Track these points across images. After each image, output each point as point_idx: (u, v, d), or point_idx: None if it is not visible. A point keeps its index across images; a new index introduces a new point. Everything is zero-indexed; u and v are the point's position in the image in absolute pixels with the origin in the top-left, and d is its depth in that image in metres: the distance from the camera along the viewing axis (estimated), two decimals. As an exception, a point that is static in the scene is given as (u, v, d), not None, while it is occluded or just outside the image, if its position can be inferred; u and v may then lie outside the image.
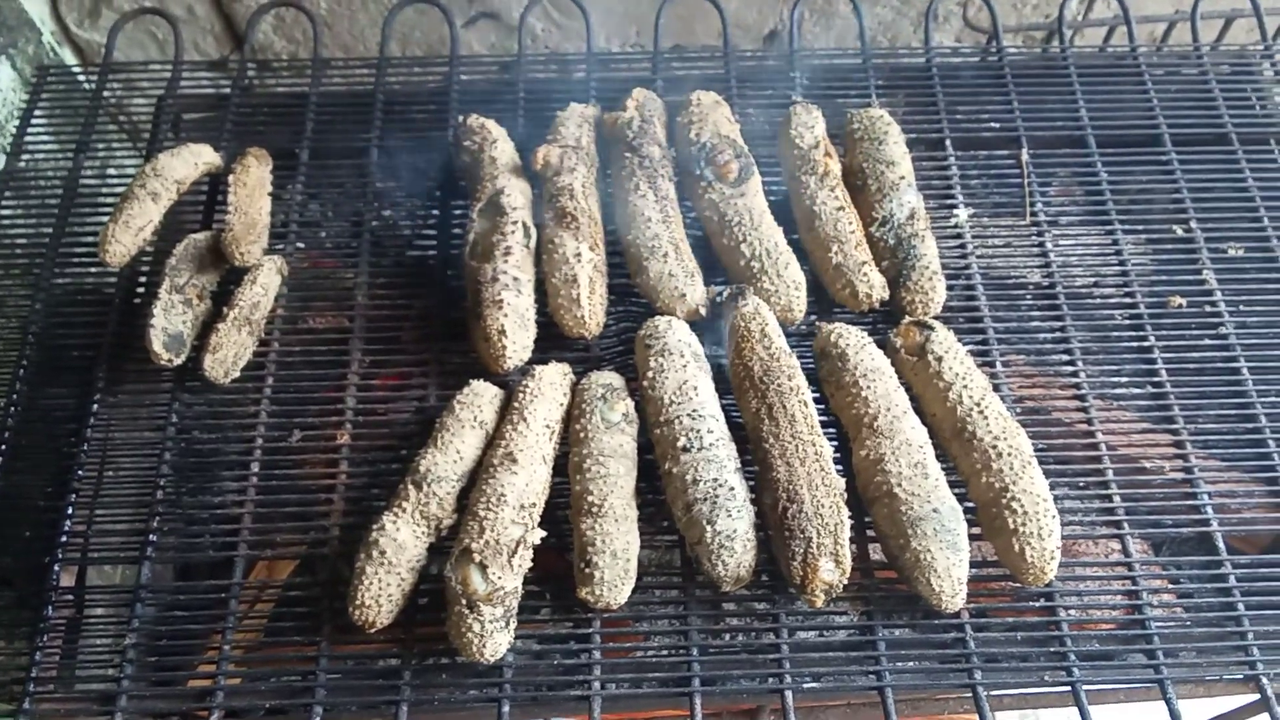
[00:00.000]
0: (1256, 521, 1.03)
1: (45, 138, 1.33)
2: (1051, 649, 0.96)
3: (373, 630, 0.93)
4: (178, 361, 1.07)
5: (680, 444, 0.97)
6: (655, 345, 1.03)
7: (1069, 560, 1.01)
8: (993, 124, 1.26)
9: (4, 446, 1.06)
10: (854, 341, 1.04)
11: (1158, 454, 1.06)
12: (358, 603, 0.92)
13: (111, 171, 1.37)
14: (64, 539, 1.01)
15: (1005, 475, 0.96)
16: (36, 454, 1.07)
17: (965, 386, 1.01)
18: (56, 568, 1.00)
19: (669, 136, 1.19)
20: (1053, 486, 0.98)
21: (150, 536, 1.00)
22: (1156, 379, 1.10)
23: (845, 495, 0.96)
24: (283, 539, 1.02)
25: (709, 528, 0.94)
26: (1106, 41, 1.50)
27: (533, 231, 1.10)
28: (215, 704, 0.93)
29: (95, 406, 1.08)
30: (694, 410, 0.99)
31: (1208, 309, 1.14)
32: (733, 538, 0.94)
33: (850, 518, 0.96)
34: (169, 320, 1.07)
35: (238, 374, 1.08)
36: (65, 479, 1.04)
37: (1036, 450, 1.03)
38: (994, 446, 0.97)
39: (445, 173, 1.23)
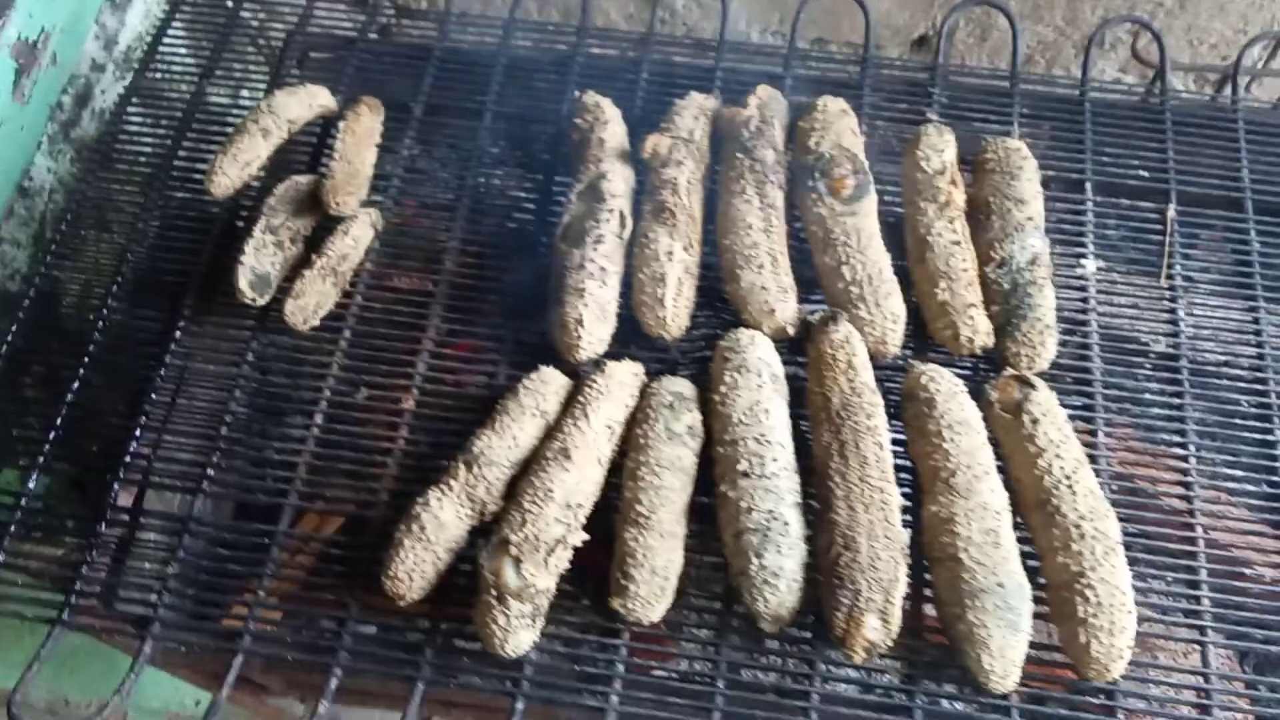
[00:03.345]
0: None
1: (182, 52, 1.34)
2: (1104, 755, 0.89)
3: (402, 604, 0.92)
4: (261, 302, 1.07)
5: (740, 467, 0.93)
6: (733, 360, 0.98)
7: (1139, 660, 0.93)
8: (1142, 172, 1.16)
9: (87, 359, 1.08)
10: (945, 388, 0.97)
11: (1262, 560, 0.97)
12: (390, 574, 0.91)
13: (245, 95, 1.38)
14: (128, 459, 1.03)
15: (1084, 559, 0.89)
16: (117, 372, 1.09)
17: (1058, 455, 0.93)
18: (115, 486, 1.02)
19: (789, 140, 1.13)
20: (1139, 576, 0.91)
21: (208, 471, 1.02)
22: (1276, 478, 1.00)
23: (908, 550, 0.91)
24: (332, 495, 1.02)
25: (755, 560, 0.89)
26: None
27: (629, 222, 1.07)
28: (241, 647, 0.93)
29: (178, 334, 1.09)
30: (761, 434, 0.94)
31: (1347, 409, 1.04)
32: (778, 575, 0.89)
33: (909, 574, 0.91)
34: (258, 260, 1.08)
35: (317, 323, 1.07)
36: (139, 401, 1.06)
37: (1128, 534, 0.96)
38: (1078, 526, 0.90)
39: (555, 146, 1.20)
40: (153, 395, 1.06)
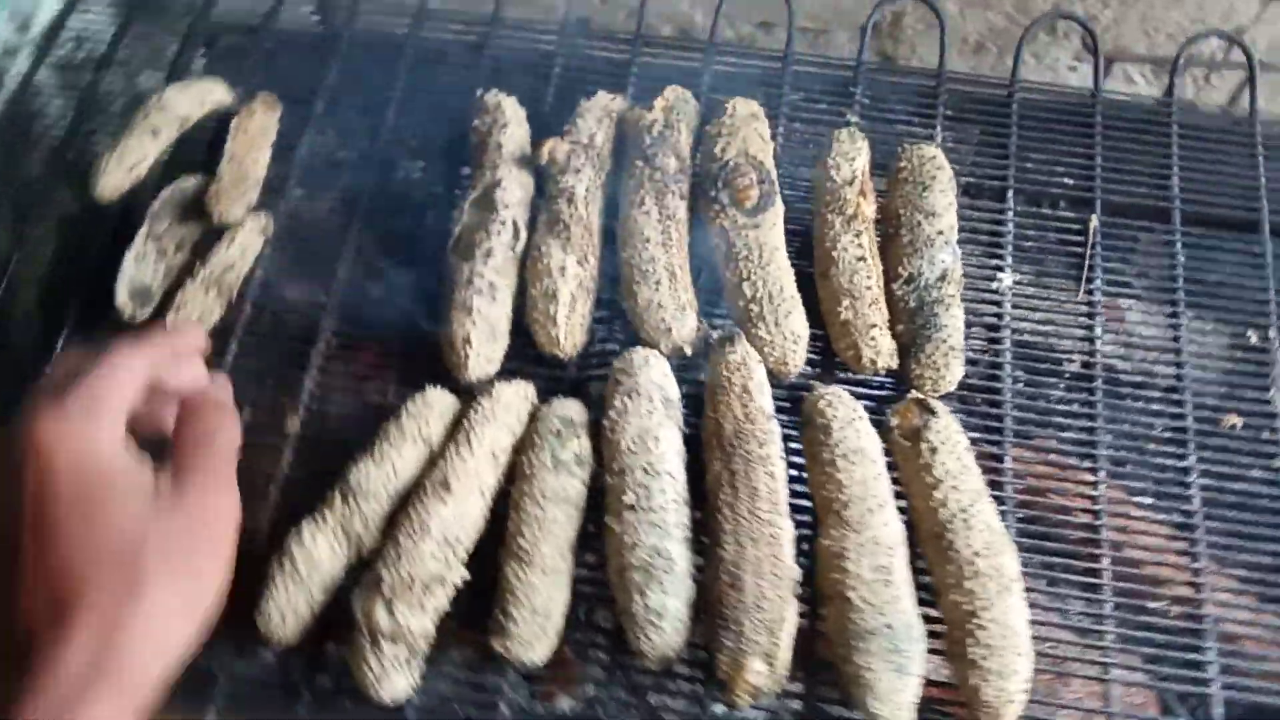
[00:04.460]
0: (1268, 692, 0.90)
1: (97, 30, 1.28)
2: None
3: (277, 646, 0.89)
4: (143, 315, 1.03)
5: (626, 499, 0.89)
6: (625, 383, 0.95)
7: (1044, 700, 0.91)
8: (1066, 179, 1.12)
9: (-38, 374, 1.05)
10: (842, 414, 0.93)
11: (1169, 594, 0.94)
12: (261, 612, 0.88)
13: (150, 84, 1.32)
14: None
15: (977, 598, 0.86)
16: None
17: (954, 488, 0.90)
18: None
19: (697, 145, 1.08)
20: (1043, 609, 0.88)
21: (81, 497, 0.98)
22: (1188, 507, 0.97)
23: (800, 587, 0.88)
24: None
25: (638, 599, 0.86)
26: (1232, 103, 1.32)
27: (523, 234, 1.02)
28: (111, 683, 0.90)
29: (60, 346, 1.05)
30: (649, 464, 0.91)
31: (1265, 436, 1.00)
32: (662, 615, 0.86)
33: (803, 613, 0.87)
34: (139, 270, 1.03)
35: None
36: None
37: (1033, 565, 0.93)
38: (971, 562, 0.87)
39: (461, 143, 1.15)
40: (29, 413, 1.02)
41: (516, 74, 1.19)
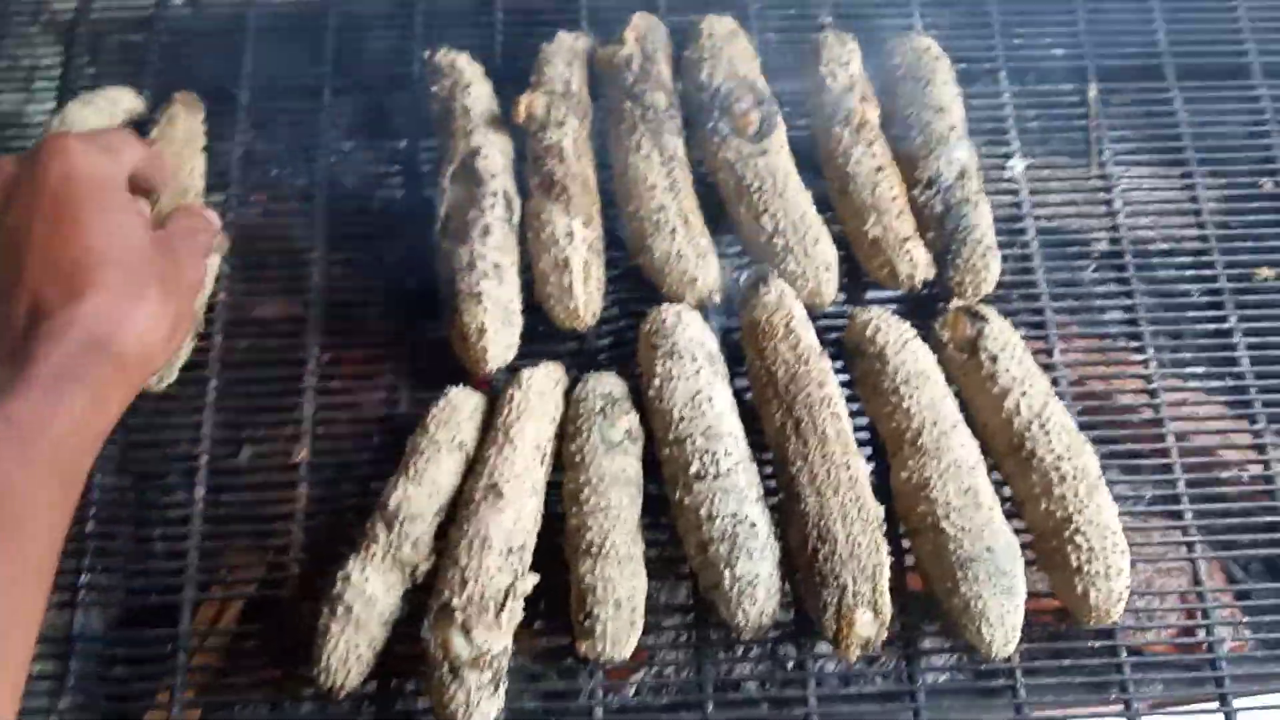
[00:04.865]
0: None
1: None
2: (1111, 695, 0.85)
3: (342, 695, 0.81)
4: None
5: (693, 470, 0.83)
6: (662, 345, 0.87)
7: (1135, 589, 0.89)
8: (1055, 50, 1.07)
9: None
10: (894, 337, 0.88)
11: (1238, 459, 0.93)
12: (321, 665, 0.80)
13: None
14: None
15: (1068, 502, 0.83)
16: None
17: (1024, 393, 0.86)
18: (-24, 615, 0.87)
19: (676, 73, 1.00)
20: (1119, 499, 0.85)
21: (82, 577, 0.87)
22: (1237, 369, 0.95)
23: (884, 525, 0.83)
24: (233, 578, 0.89)
25: (728, 572, 0.81)
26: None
27: (516, 203, 0.93)
28: (167, 775, 0.82)
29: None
30: (708, 428, 0.84)
31: (1301, 284, 0.99)
32: (754, 583, 0.81)
33: (890, 552, 0.83)
34: (88, 316, 0.91)
35: (174, 377, 0.91)
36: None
37: (1106, 456, 0.89)
38: (1056, 468, 0.83)
39: (413, 115, 1.04)
40: (-3, 497, 0.90)
41: (456, 27, 1.08)
